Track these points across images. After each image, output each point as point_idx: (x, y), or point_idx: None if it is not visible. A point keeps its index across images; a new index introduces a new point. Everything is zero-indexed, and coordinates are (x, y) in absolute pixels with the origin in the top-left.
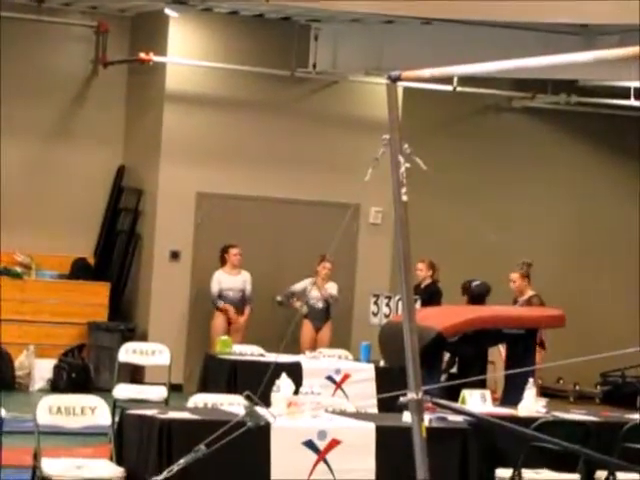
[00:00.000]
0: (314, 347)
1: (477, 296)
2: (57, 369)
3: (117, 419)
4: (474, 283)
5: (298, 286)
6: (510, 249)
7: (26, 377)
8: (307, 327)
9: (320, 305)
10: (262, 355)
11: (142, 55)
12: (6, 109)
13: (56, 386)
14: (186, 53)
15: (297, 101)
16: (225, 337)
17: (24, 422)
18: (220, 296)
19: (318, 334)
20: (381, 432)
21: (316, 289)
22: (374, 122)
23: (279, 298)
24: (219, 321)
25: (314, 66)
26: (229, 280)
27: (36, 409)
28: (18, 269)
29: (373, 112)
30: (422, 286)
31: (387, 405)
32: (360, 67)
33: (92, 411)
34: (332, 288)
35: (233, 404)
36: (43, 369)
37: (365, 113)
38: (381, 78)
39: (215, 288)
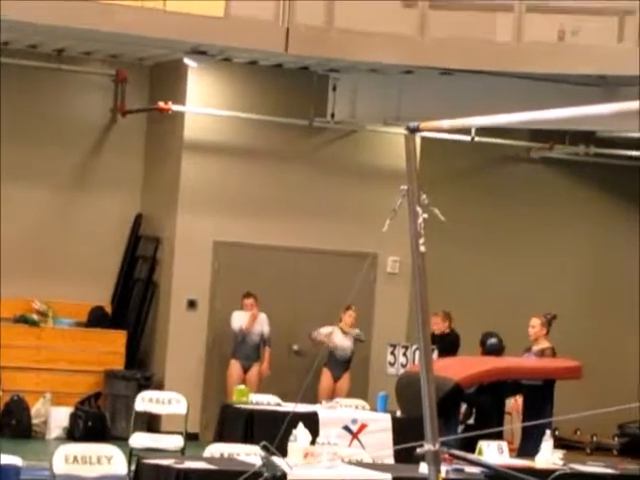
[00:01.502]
0: (332, 397)
1: (489, 353)
2: (73, 417)
3: (133, 468)
4: (489, 341)
5: (324, 329)
6: (527, 299)
7: (42, 425)
8: (326, 376)
9: (342, 355)
10: (279, 404)
11: (161, 104)
12: (25, 157)
13: (72, 434)
14: (205, 102)
15: (315, 151)
16: (242, 386)
17: (40, 471)
18: (243, 337)
19: (337, 383)
20: None
21: (340, 334)
22: (392, 172)
23: (296, 347)
24: (235, 370)
25: (332, 116)
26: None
27: (52, 458)
28: (35, 317)
29: (391, 162)
30: (439, 335)
31: (404, 456)
32: (378, 117)
33: (108, 460)
34: (355, 332)
35: (250, 454)
36: (59, 417)
37: (383, 163)
38: (399, 128)
39: (236, 325)
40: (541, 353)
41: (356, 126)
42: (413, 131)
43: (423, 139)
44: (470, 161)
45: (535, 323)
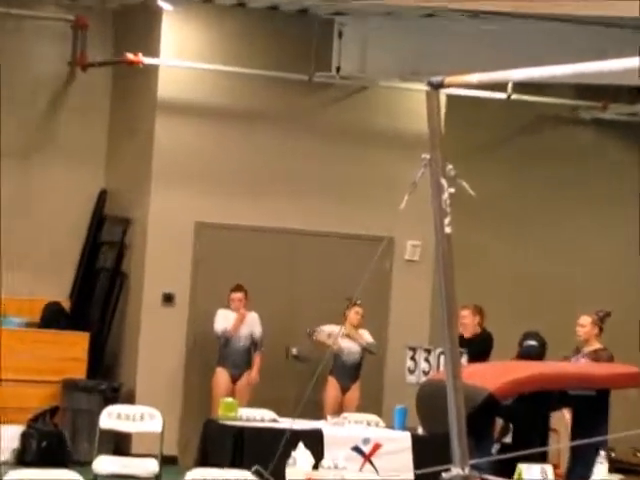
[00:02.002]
0: (339, 411)
1: (524, 357)
2: (24, 437)
3: None
4: (528, 342)
5: (326, 327)
6: (574, 291)
7: None
8: (332, 386)
9: (349, 360)
10: (275, 420)
11: (129, 56)
12: None
13: (23, 458)
14: (182, 54)
15: (316, 112)
16: (229, 399)
17: None
18: (226, 340)
19: (345, 395)
20: None
21: (346, 338)
22: (411, 138)
23: (295, 351)
24: (221, 379)
25: (338, 70)
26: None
27: None
28: None
29: (410, 125)
30: (468, 336)
31: None
32: (394, 71)
33: None
34: (365, 335)
35: None
36: (8, 437)
37: (400, 126)
38: (420, 84)
39: (220, 326)
40: (595, 355)
41: (367, 82)
42: (436, 87)
43: (448, 98)
44: (505, 125)
45: (585, 322)
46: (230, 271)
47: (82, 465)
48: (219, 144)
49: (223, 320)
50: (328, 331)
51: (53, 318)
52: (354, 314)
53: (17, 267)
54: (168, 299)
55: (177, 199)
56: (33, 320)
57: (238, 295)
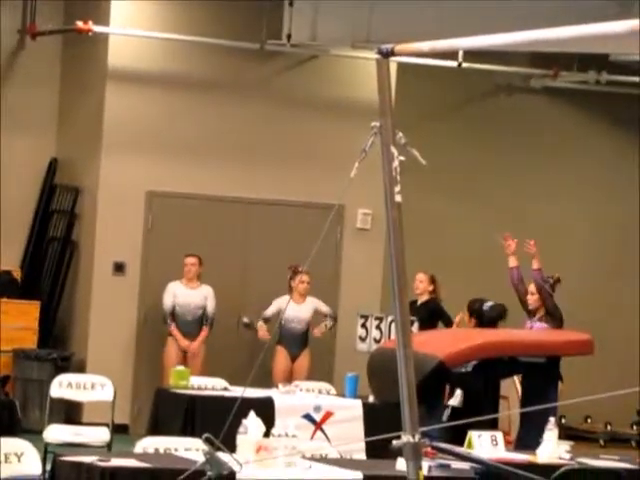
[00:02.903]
0: (289, 379)
1: (488, 321)
2: None
3: (49, 467)
4: (486, 304)
5: (270, 311)
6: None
7: None
8: (281, 355)
9: (297, 327)
10: (226, 389)
11: (79, 24)
12: None
13: None
14: (132, 22)
15: (268, 80)
16: (181, 367)
17: None
18: (173, 314)
19: (294, 363)
20: None
21: (292, 304)
22: (361, 106)
23: (246, 320)
24: (173, 348)
25: (289, 37)
26: (186, 294)
27: None
28: None
29: (360, 94)
30: (419, 303)
31: (377, 450)
32: (345, 39)
33: (18, 458)
34: (318, 304)
35: (190, 449)
36: None
37: (350, 95)
38: (370, 52)
39: (168, 302)
40: (544, 321)
41: (318, 50)
42: (386, 55)
43: (399, 66)
44: (456, 93)
45: (533, 290)
46: (182, 240)
47: (33, 434)
48: (170, 113)
49: (171, 298)
50: (273, 314)
51: (4, 287)
52: (299, 282)
53: None
54: (119, 268)
55: (128, 168)
56: None
57: (191, 260)
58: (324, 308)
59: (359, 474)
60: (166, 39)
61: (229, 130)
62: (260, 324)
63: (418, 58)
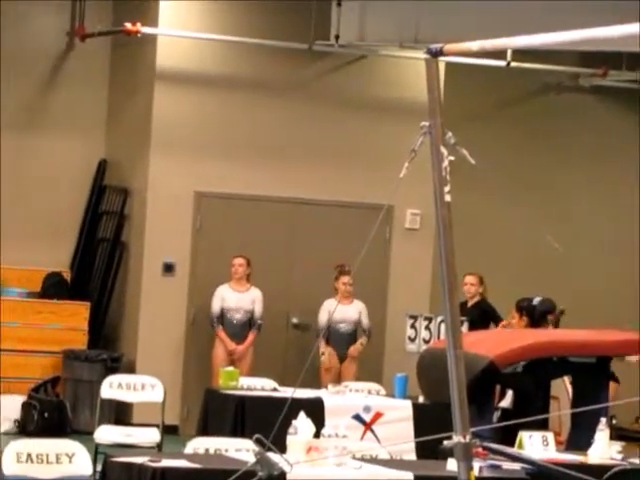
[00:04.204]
0: (338, 380)
1: (540, 315)
2: (26, 407)
3: (99, 468)
4: (535, 300)
5: (322, 319)
6: (574, 258)
7: None
8: (330, 356)
9: (345, 328)
10: (275, 390)
11: (127, 25)
12: None
13: (25, 428)
14: (181, 23)
15: (316, 81)
16: (230, 368)
17: None
18: (222, 317)
19: (343, 364)
20: None
21: (340, 305)
22: (410, 106)
23: (295, 320)
24: (221, 350)
25: (337, 38)
26: (234, 297)
27: (1, 456)
28: None
29: (409, 94)
30: (469, 305)
31: (428, 450)
32: (393, 39)
33: (69, 459)
34: (363, 313)
35: (240, 450)
36: (9, 408)
37: (399, 95)
38: (419, 52)
39: (216, 307)
40: None
41: (366, 50)
42: (436, 55)
43: (448, 66)
44: (505, 92)
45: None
46: (230, 240)
47: (83, 435)
48: (218, 113)
49: (219, 301)
50: (324, 323)
51: (54, 288)
52: (342, 285)
53: (17, 237)
54: (168, 269)
55: (176, 169)
56: (34, 290)
57: (239, 260)
58: (364, 320)
59: (410, 474)
60: (214, 40)
61: (276, 131)
62: (322, 350)
63: (467, 58)
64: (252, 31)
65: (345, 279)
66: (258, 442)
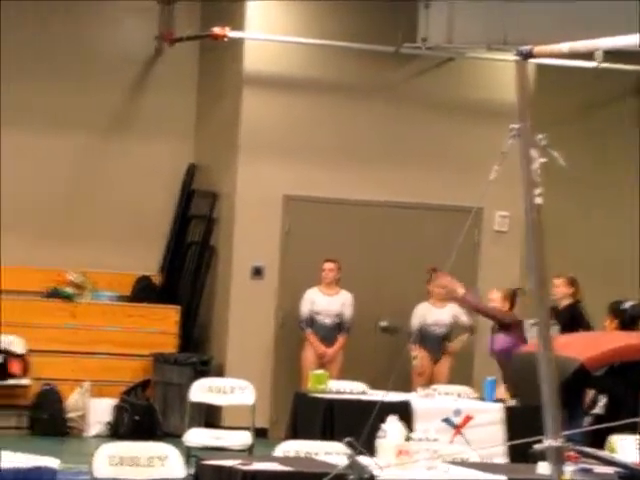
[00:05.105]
0: (430, 382)
1: (630, 319)
2: (117, 410)
3: (191, 471)
4: (627, 304)
5: (414, 324)
6: None
7: (80, 420)
8: (423, 359)
9: (438, 331)
10: (364, 393)
11: (215, 30)
12: (52, 98)
13: (116, 431)
14: (268, 27)
15: (403, 84)
16: (319, 371)
17: (78, 475)
18: (311, 320)
19: (435, 367)
20: None
21: (432, 308)
22: (499, 108)
23: (384, 323)
24: (310, 353)
25: (424, 40)
26: (324, 301)
27: (93, 459)
28: (70, 290)
29: (498, 96)
30: (560, 307)
31: (519, 454)
32: (481, 41)
33: (161, 461)
34: (458, 312)
35: (330, 453)
36: (100, 411)
37: (488, 97)
38: (508, 54)
39: (306, 310)
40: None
41: (454, 53)
42: (526, 57)
43: (537, 67)
44: (595, 93)
45: (496, 296)
46: (318, 243)
47: (172, 438)
48: (306, 117)
49: (308, 305)
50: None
51: (144, 292)
52: (435, 287)
53: (107, 241)
54: (257, 272)
55: (264, 172)
56: (124, 294)
57: (329, 265)
58: (463, 317)
59: (503, 478)
60: (301, 43)
61: (364, 134)
62: (415, 354)
63: (557, 60)
64: (339, 34)
65: (441, 282)
66: (349, 445)
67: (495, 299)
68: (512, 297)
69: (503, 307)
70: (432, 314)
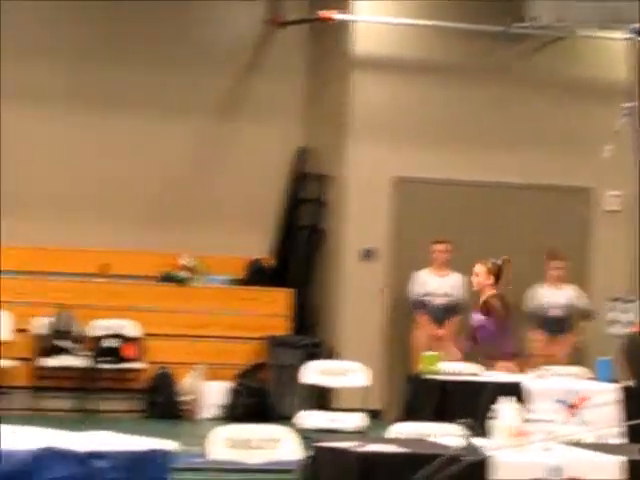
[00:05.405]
0: (547, 363)
1: None
2: (232, 393)
3: (306, 453)
4: None
5: (530, 306)
6: None
7: (193, 403)
8: (538, 338)
9: (557, 313)
10: (475, 374)
11: (321, 13)
12: (163, 84)
13: (231, 414)
14: (376, 8)
15: (513, 64)
16: (430, 352)
17: (192, 457)
18: (423, 302)
19: (553, 347)
20: (633, 468)
21: (549, 290)
22: (610, 87)
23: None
24: (422, 333)
25: (534, 20)
26: (436, 282)
27: (208, 441)
28: (183, 274)
29: (609, 75)
30: None
31: (637, 434)
32: (592, 19)
33: (276, 443)
34: (576, 296)
35: (444, 434)
36: (213, 393)
37: (600, 76)
38: (619, 32)
39: (417, 291)
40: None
41: (564, 32)
42: (638, 34)
43: None
44: None
45: (479, 270)
46: (429, 225)
47: (285, 420)
48: (415, 98)
49: (418, 286)
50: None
51: (256, 275)
52: (553, 270)
53: (219, 225)
54: (368, 254)
55: (375, 155)
56: (237, 277)
57: (440, 246)
58: (580, 303)
59: (620, 459)
60: (410, 24)
61: (473, 114)
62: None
63: None
64: (447, 14)
65: (556, 264)
66: (464, 426)
67: (479, 272)
68: (497, 271)
69: (487, 280)
70: (550, 296)
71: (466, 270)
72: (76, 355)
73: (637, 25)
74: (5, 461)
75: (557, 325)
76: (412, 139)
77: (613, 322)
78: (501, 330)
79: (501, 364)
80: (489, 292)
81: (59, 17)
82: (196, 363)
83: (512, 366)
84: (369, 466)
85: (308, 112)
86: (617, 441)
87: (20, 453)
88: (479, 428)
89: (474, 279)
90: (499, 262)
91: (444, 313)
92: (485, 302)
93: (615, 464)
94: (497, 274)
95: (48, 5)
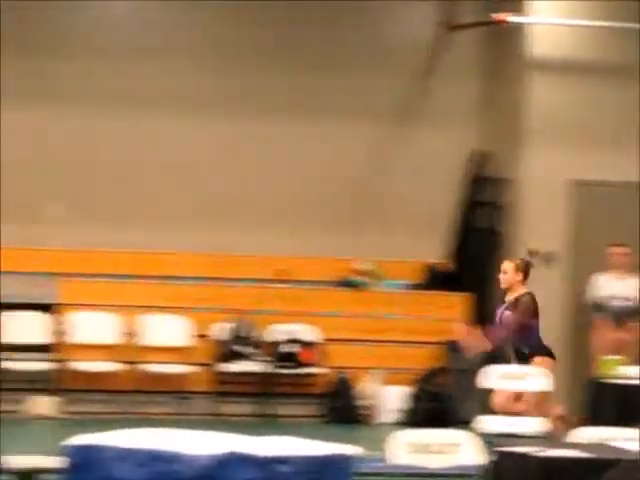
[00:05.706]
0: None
1: None
2: (412, 398)
3: (486, 458)
4: None
5: None
6: None
7: (372, 408)
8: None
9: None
10: None
11: (495, 16)
12: (337, 85)
13: (410, 418)
14: (552, 10)
15: None
16: (610, 357)
17: (373, 462)
18: (602, 305)
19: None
20: None
21: None
22: None
23: None
24: (602, 337)
25: None
26: (616, 286)
27: (388, 446)
28: (360, 279)
29: None
30: None
31: None
32: None
33: (457, 448)
34: None
35: (626, 439)
36: (392, 398)
37: None
38: None
39: (596, 295)
40: (515, 304)
41: None
42: None
43: None
44: None
45: (508, 268)
46: (609, 228)
47: (463, 424)
48: (592, 100)
49: (595, 290)
50: None
51: (434, 280)
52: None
53: (395, 229)
54: (547, 258)
55: (553, 157)
56: (414, 282)
57: (618, 249)
58: None
59: None
60: (590, 26)
61: None
62: None
63: None
64: (622, 15)
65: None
66: None
67: (507, 269)
68: (525, 268)
69: (516, 277)
70: (611, 287)
71: None
72: (255, 360)
73: None
74: (188, 465)
75: (623, 315)
76: (588, 141)
77: None
78: (531, 327)
79: (538, 360)
80: (519, 289)
81: (239, 16)
82: (373, 368)
83: (550, 361)
84: (550, 471)
85: (483, 115)
86: None
87: (203, 458)
88: None
89: (502, 277)
90: (527, 258)
91: (624, 317)
92: (516, 299)
93: None
94: (525, 271)
95: (229, 5)
